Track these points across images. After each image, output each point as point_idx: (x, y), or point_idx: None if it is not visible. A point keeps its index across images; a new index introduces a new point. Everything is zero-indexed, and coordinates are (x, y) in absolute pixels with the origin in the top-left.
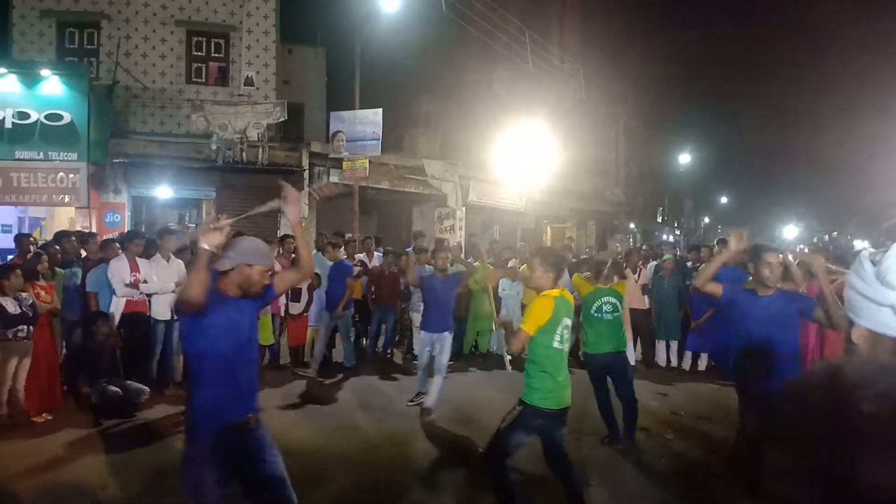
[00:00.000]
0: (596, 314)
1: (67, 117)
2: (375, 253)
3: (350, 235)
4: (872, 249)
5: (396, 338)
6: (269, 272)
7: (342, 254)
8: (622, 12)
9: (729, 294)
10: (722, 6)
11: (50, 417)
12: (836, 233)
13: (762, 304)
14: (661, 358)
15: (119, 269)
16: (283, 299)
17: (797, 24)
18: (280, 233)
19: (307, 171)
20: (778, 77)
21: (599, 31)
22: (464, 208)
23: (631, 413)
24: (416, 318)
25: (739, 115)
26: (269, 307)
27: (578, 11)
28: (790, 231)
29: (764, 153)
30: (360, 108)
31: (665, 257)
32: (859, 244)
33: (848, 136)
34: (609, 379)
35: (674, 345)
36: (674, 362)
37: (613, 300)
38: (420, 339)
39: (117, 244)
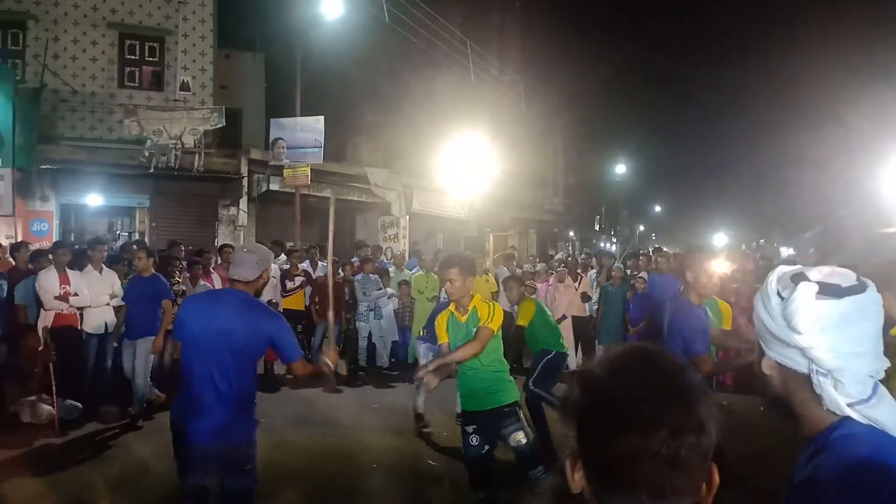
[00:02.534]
0: None
1: None
2: (319, 263)
3: (291, 244)
4: (785, 269)
5: (340, 347)
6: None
7: (152, 267)
8: (561, 28)
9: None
10: (657, 24)
11: None
12: (762, 240)
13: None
14: None
15: (47, 281)
16: None
17: (730, 41)
18: (218, 242)
19: (245, 178)
20: (711, 92)
21: (538, 46)
22: (407, 217)
23: None
24: (364, 327)
25: (673, 127)
26: None
27: (518, 26)
28: (720, 238)
29: (696, 164)
30: (302, 116)
31: (615, 265)
32: (785, 251)
33: (777, 149)
34: None
35: None
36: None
37: None
38: (422, 351)
39: (50, 255)
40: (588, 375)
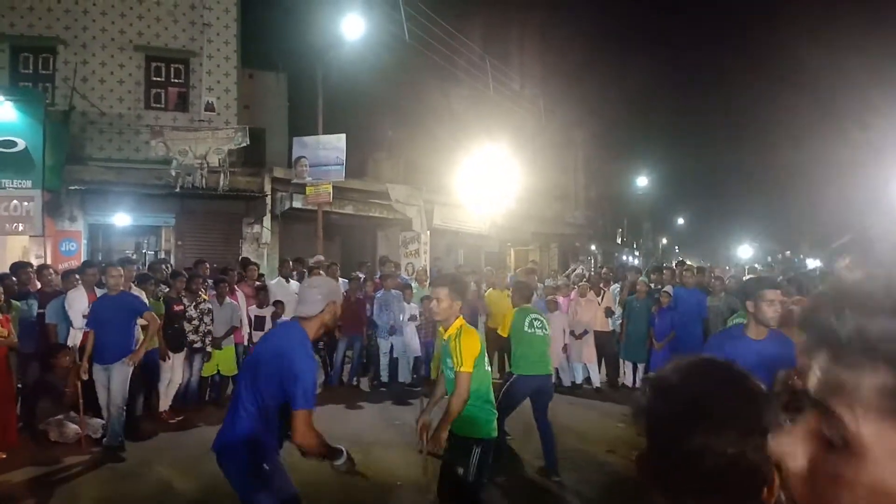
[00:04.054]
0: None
1: (22, 144)
2: (341, 279)
3: (313, 261)
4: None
5: (363, 361)
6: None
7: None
8: (581, 41)
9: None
10: (679, 35)
11: (3, 456)
12: (788, 252)
13: (756, 349)
14: (628, 379)
15: (76, 300)
16: (246, 328)
17: (753, 51)
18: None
19: (269, 197)
20: (734, 102)
21: (559, 60)
22: (428, 232)
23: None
24: (384, 344)
25: (696, 139)
26: (233, 336)
27: (538, 40)
28: (744, 251)
29: (720, 175)
30: (323, 134)
31: (640, 279)
32: (811, 263)
33: (802, 159)
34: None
35: (641, 366)
36: (639, 384)
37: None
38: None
39: (78, 275)
40: (660, 380)
